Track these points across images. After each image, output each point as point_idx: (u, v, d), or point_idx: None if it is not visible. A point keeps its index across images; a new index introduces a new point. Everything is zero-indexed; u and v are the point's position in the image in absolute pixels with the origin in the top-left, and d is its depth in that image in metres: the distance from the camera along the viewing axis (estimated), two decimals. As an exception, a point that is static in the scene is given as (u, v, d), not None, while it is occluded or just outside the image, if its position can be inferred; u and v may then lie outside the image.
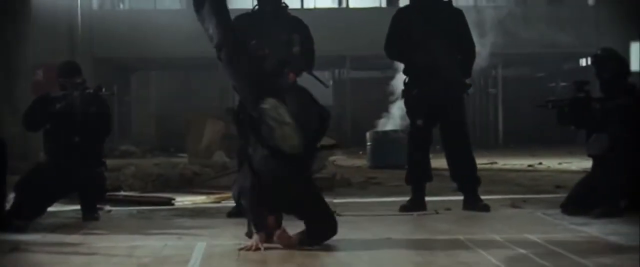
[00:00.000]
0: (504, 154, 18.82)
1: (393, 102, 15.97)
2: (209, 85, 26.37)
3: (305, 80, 7.14)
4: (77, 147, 7.35)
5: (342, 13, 25.37)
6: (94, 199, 7.52)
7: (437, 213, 7.56)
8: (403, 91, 7.94)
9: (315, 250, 5.63)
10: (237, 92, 6.47)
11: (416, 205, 7.72)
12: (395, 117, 16.62)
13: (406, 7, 8.05)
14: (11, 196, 7.11)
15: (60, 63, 7.75)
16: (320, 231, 5.77)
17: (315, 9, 25.04)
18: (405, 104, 7.94)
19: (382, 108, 17.40)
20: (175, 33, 21.66)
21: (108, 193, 8.11)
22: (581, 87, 7.39)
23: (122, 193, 9.44)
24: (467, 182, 7.80)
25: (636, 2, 19.60)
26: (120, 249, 5.86)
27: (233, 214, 7.32)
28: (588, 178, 7.46)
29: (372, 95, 22.30)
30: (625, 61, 7.54)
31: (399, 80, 9.11)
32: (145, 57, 24.50)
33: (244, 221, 6.06)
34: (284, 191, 5.72)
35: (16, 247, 5.97)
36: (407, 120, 8.08)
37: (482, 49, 15.29)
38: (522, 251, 5.49)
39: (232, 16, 6.50)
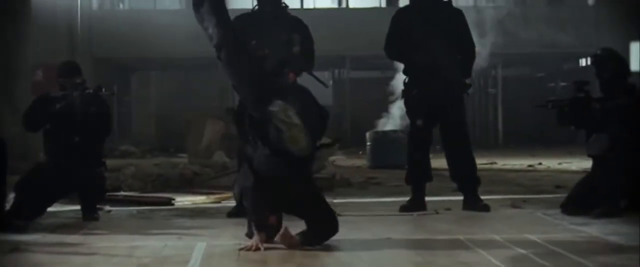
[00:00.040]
0: (504, 154, 18.82)
1: (393, 102, 15.97)
2: (209, 85, 26.36)
3: (305, 80, 7.14)
4: (77, 147, 7.35)
5: (342, 13, 25.37)
6: (94, 199, 7.52)
7: (437, 213, 7.56)
8: (403, 91, 7.94)
9: (315, 250, 5.63)
10: (237, 92, 6.47)
11: (416, 205, 7.72)
12: (395, 117, 16.62)
13: (406, 7, 8.05)
14: (11, 196, 7.10)
15: (60, 63, 7.75)
16: (322, 230, 5.78)
17: (315, 9, 25.05)
18: (405, 104, 7.94)
19: (382, 108, 17.40)
20: (175, 33, 21.66)
21: (108, 193, 8.11)
22: (581, 87, 7.39)
23: (122, 193, 9.44)
24: (467, 182, 7.80)
25: (636, 2, 19.60)
26: (120, 249, 5.86)
27: (233, 214, 7.33)
28: (588, 178, 7.46)
29: (371, 96, 22.29)
30: (625, 61, 7.54)
31: (399, 81, 9.11)
32: (145, 57, 24.49)
33: (244, 221, 6.06)
34: (284, 190, 5.73)
35: (16, 248, 5.97)
36: (407, 121, 8.09)
37: (482, 49, 15.30)
38: (522, 251, 5.50)
39: (232, 16, 6.51)
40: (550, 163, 15.31)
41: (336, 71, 27.82)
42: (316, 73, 7.55)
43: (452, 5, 7.90)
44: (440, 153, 8.03)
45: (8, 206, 6.98)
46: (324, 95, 8.70)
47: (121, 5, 26.98)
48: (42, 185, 7.20)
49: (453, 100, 7.77)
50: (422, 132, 7.80)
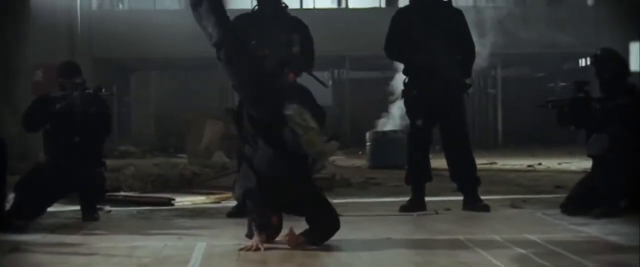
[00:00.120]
0: (504, 154, 18.83)
1: (392, 102, 15.97)
2: (208, 85, 26.39)
3: (304, 80, 7.14)
4: (77, 147, 7.34)
5: (342, 13, 25.39)
6: (93, 199, 7.52)
7: (437, 213, 7.56)
8: (403, 91, 7.94)
9: (315, 250, 5.63)
10: (237, 92, 6.47)
11: (416, 205, 7.72)
12: (394, 117, 16.62)
13: (406, 7, 8.05)
14: (11, 196, 7.10)
15: (60, 63, 7.74)
16: (325, 229, 5.78)
17: (314, 9, 25.06)
18: (405, 104, 7.94)
19: (382, 108, 17.40)
20: (174, 33, 21.66)
21: (108, 193, 8.11)
22: (581, 87, 7.39)
23: (122, 193, 9.43)
24: (467, 182, 7.80)
25: (635, 2, 19.61)
26: (120, 249, 5.86)
27: (233, 214, 7.33)
28: (588, 178, 7.46)
29: (371, 96, 22.30)
30: (625, 61, 7.54)
31: (399, 81, 9.11)
32: (144, 57, 24.51)
33: (244, 221, 6.06)
34: (285, 190, 5.73)
35: (16, 248, 5.97)
36: (407, 121, 8.09)
37: (482, 49, 15.31)
38: (522, 251, 5.49)
39: (232, 16, 6.51)
40: (550, 163, 15.32)
41: (336, 71, 27.84)
42: (316, 73, 7.55)
43: (452, 5, 7.90)
44: (440, 153, 8.03)
45: (8, 206, 6.98)
46: (323, 95, 8.70)
47: (121, 6, 26.99)
48: (42, 185, 7.20)
49: (453, 101, 7.77)
50: (422, 133, 7.80)
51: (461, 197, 7.85)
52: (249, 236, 5.82)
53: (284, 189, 5.73)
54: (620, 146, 7.10)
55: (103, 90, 7.46)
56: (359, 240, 6.12)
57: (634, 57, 17.19)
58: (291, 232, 5.69)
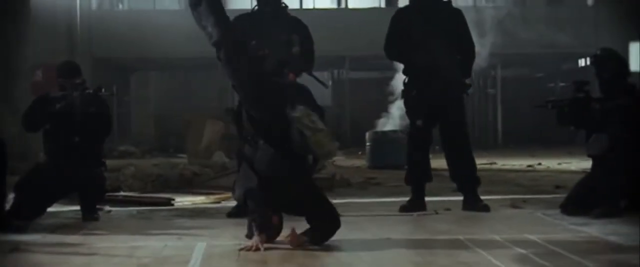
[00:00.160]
0: (503, 155, 18.83)
1: (392, 102, 15.98)
2: (208, 85, 26.39)
3: (304, 80, 7.14)
4: (76, 147, 7.34)
5: (341, 13, 25.39)
6: (93, 199, 7.52)
7: (437, 213, 7.56)
8: (402, 91, 7.94)
9: (315, 250, 5.64)
10: (237, 92, 6.47)
11: (416, 205, 7.72)
12: (394, 117, 16.63)
13: (406, 7, 8.05)
14: (11, 196, 7.11)
15: (60, 63, 7.74)
16: (325, 229, 5.79)
17: (314, 10, 25.05)
18: (405, 104, 7.94)
19: (382, 108, 17.41)
20: (174, 33, 21.66)
21: (108, 194, 8.11)
22: (581, 87, 7.39)
23: (122, 193, 9.43)
24: (467, 182, 7.80)
25: (635, 2, 19.61)
26: (121, 249, 5.86)
27: (233, 214, 7.33)
28: (588, 178, 7.46)
29: (371, 96, 22.32)
30: (624, 61, 7.54)
31: (398, 81, 9.11)
32: (144, 58, 24.50)
33: (244, 221, 6.06)
34: (286, 190, 5.73)
35: (16, 248, 5.97)
36: (407, 121, 8.09)
37: (482, 49, 15.32)
38: (522, 251, 5.49)
39: (232, 16, 6.50)
40: (550, 163, 15.32)
41: (335, 71, 27.84)
42: (315, 73, 7.55)
43: (451, 5, 7.90)
44: (440, 153, 8.02)
45: (8, 206, 6.98)
46: (323, 95, 8.71)
47: (120, 6, 26.99)
48: (42, 185, 7.20)
49: (453, 101, 7.77)
50: (421, 133, 7.80)
51: (461, 197, 7.85)
52: (249, 236, 5.82)
53: (284, 189, 5.74)
54: (620, 146, 7.10)
55: (103, 90, 7.46)
56: (359, 240, 6.12)
57: (633, 57, 17.19)
58: (293, 232, 5.70)
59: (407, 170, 7.97)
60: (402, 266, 5.33)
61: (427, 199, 7.85)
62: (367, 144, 15.69)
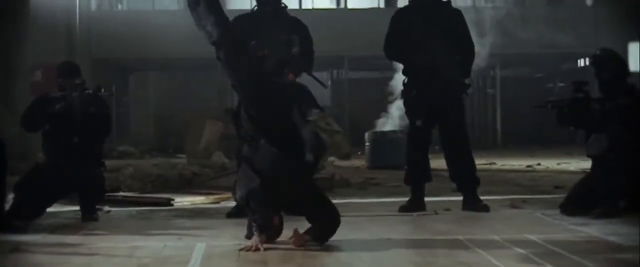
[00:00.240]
0: (503, 155, 18.83)
1: (392, 102, 15.97)
2: (207, 85, 26.37)
3: (304, 80, 7.15)
4: (76, 147, 7.34)
5: (341, 13, 25.37)
6: (93, 199, 7.52)
7: (437, 213, 7.56)
8: (402, 91, 7.94)
9: (315, 250, 5.64)
10: (237, 92, 6.47)
11: (415, 205, 7.72)
12: (394, 117, 16.62)
13: (405, 7, 8.05)
14: (11, 197, 7.11)
15: (60, 63, 7.74)
16: (326, 227, 5.80)
17: (313, 10, 25.05)
18: (405, 104, 7.94)
19: (381, 108, 17.40)
20: (173, 33, 21.64)
21: (107, 194, 8.11)
22: (580, 88, 7.40)
23: (121, 194, 9.43)
24: (467, 182, 7.80)
25: (635, 2, 19.62)
26: (121, 249, 5.86)
27: (232, 214, 7.33)
28: (587, 178, 7.47)
29: (370, 96, 22.30)
30: (624, 62, 7.54)
31: (398, 81, 9.11)
32: (143, 58, 24.49)
33: (244, 221, 6.07)
34: (285, 190, 5.74)
35: (16, 248, 5.97)
36: (406, 121, 8.09)
37: (481, 49, 15.30)
38: (522, 251, 5.50)
39: (231, 16, 6.50)
40: (549, 163, 15.32)
41: (335, 71, 27.82)
42: (315, 73, 7.55)
43: (451, 5, 7.90)
44: (440, 153, 8.03)
45: (8, 207, 6.98)
46: (322, 95, 8.71)
47: (119, 6, 26.98)
48: (42, 185, 7.20)
49: (452, 101, 7.77)
50: (421, 133, 7.80)
51: (461, 198, 7.85)
52: (249, 237, 5.82)
53: (284, 189, 5.74)
54: (620, 146, 7.11)
55: (102, 90, 7.46)
56: (359, 240, 6.13)
57: (633, 58, 17.21)
58: (296, 232, 5.71)
59: (406, 170, 7.97)
60: (402, 266, 5.33)
61: (426, 199, 7.86)
62: (367, 144, 15.68)
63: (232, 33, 6.02)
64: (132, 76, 28.23)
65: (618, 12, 21.32)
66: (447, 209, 7.81)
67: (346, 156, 5.90)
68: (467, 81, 7.87)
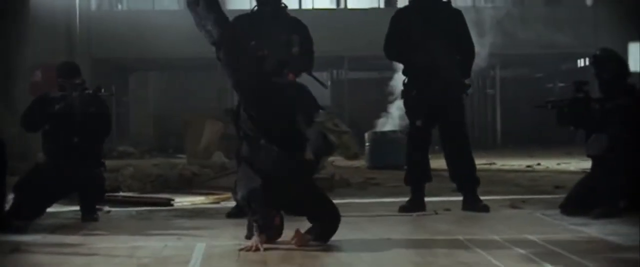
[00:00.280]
0: (503, 155, 18.82)
1: (392, 102, 15.97)
2: (207, 85, 26.37)
3: (304, 80, 7.14)
4: (76, 147, 7.34)
5: (341, 14, 25.37)
6: (93, 199, 7.52)
7: (437, 214, 7.57)
8: (402, 92, 7.94)
9: (315, 250, 5.64)
10: (237, 92, 6.47)
11: (415, 205, 7.73)
12: (394, 117, 16.61)
13: (405, 7, 8.05)
14: (11, 197, 7.10)
15: (59, 63, 7.74)
16: (327, 227, 5.81)
17: (313, 10, 25.03)
18: (405, 104, 7.94)
19: (381, 108, 17.39)
20: (173, 33, 21.63)
21: (107, 194, 8.11)
22: (580, 88, 7.40)
23: (121, 194, 9.43)
24: (467, 182, 7.80)
25: (635, 2, 19.62)
26: (121, 249, 5.86)
27: (232, 214, 7.33)
28: (587, 178, 7.47)
29: (370, 96, 22.30)
30: (624, 62, 7.54)
31: (398, 81, 9.11)
32: (143, 58, 24.49)
33: (244, 221, 6.06)
34: (286, 190, 5.74)
35: (16, 248, 5.97)
36: (406, 121, 8.09)
37: (481, 49, 15.29)
38: (522, 251, 5.50)
39: (231, 16, 6.50)
40: (549, 163, 15.31)
41: (335, 72, 27.81)
42: (315, 73, 7.55)
43: (451, 5, 7.90)
44: (440, 153, 8.03)
45: (8, 207, 6.98)
46: (322, 95, 8.70)
47: (119, 6, 26.97)
48: (42, 185, 7.20)
49: (452, 101, 7.77)
50: (421, 133, 7.80)
51: (461, 198, 7.85)
52: (249, 237, 5.82)
53: (285, 189, 5.74)
54: (620, 146, 7.11)
55: (102, 90, 7.46)
56: (359, 240, 6.13)
57: (633, 57, 17.21)
58: (298, 232, 5.72)
59: (406, 170, 7.97)
60: (402, 266, 5.33)
61: (426, 199, 7.86)
62: (367, 144, 15.68)
63: (232, 33, 6.03)
64: (132, 76, 28.22)
65: (618, 12, 21.32)
66: (447, 209, 7.81)
67: (355, 156, 5.89)
68: (467, 81, 7.87)
